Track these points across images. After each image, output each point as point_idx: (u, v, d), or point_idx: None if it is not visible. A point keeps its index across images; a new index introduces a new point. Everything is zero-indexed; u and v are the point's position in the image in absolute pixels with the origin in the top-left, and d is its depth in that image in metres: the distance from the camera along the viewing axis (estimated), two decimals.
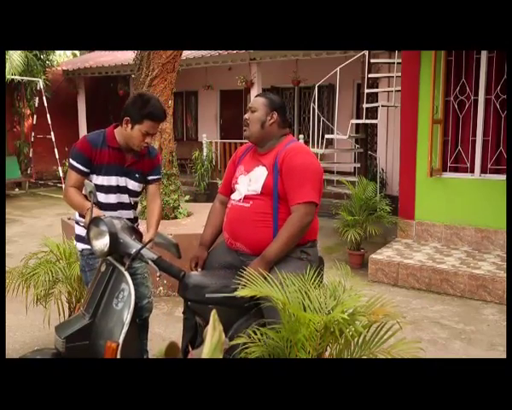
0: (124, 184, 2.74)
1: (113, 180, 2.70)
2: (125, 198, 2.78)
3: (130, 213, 2.83)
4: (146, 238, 2.69)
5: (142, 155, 2.78)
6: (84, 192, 2.60)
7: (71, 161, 2.66)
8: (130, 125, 2.62)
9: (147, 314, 2.93)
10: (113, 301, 2.16)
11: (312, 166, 2.54)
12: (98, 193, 2.61)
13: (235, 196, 2.65)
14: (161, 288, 4.87)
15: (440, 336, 4.05)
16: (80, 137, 12.98)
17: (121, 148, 2.71)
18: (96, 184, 2.62)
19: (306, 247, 2.56)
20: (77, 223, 2.74)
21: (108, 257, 2.25)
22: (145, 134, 2.63)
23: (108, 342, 2.05)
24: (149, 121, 2.62)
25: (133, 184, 2.78)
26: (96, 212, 2.36)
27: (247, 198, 2.58)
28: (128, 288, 2.14)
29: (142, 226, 3.01)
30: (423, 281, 5.18)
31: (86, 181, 2.42)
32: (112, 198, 2.72)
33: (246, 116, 2.66)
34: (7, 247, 6.31)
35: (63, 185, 11.54)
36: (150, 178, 2.86)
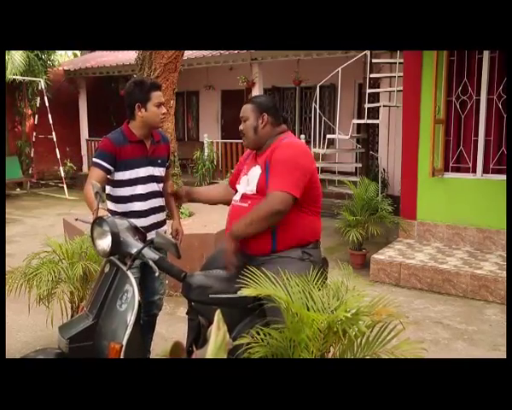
0: (151, 173, 2.89)
1: (141, 172, 2.84)
2: (153, 187, 2.92)
3: (160, 201, 2.99)
4: (177, 222, 3.07)
5: (157, 141, 2.94)
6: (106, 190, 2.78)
7: (95, 159, 2.76)
8: (143, 109, 2.77)
9: (156, 311, 2.95)
10: (117, 303, 2.16)
11: (295, 159, 2.48)
12: (124, 188, 2.79)
13: (236, 196, 2.69)
14: None
15: (442, 336, 4.04)
16: (82, 136, 13.16)
17: (141, 140, 2.84)
18: (122, 180, 2.79)
19: (308, 248, 2.55)
20: None
21: (112, 257, 2.25)
22: (159, 105, 2.80)
23: (112, 343, 2.05)
24: (155, 91, 2.80)
25: (158, 170, 2.94)
26: (102, 212, 2.38)
27: (245, 197, 2.60)
28: (132, 289, 2.14)
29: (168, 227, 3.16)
30: (425, 281, 5.18)
31: (93, 182, 2.45)
32: (139, 189, 2.85)
33: (240, 127, 2.70)
34: (8, 247, 6.31)
35: (64, 185, 11.58)
36: (167, 164, 3.06)
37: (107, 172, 2.75)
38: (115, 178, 2.80)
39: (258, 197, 2.53)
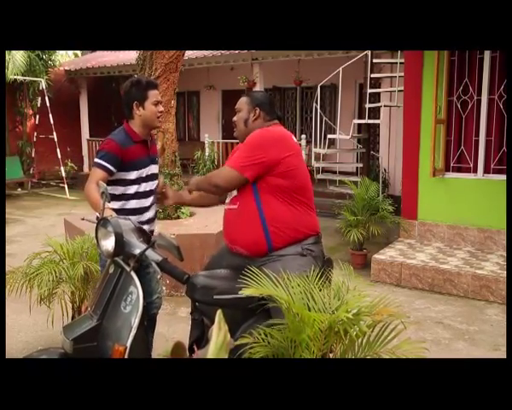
0: (153, 171, 2.95)
1: (145, 171, 2.87)
2: (152, 185, 2.96)
3: (153, 199, 3.02)
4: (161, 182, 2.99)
5: (153, 140, 3.01)
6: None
7: (99, 160, 2.72)
8: (140, 107, 2.80)
9: (155, 311, 2.94)
10: (122, 304, 2.15)
11: (256, 142, 2.50)
12: (131, 186, 2.80)
13: (227, 200, 2.69)
14: (164, 288, 4.87)
15: (443, 336, 4.04)
16: (83, 136, 13.16)
17: (144, 139, 2.87)
18: (131, 179, 2.80)
19: (308, 243, 2.53)
20: None
21: (116, 258, 2.25)
22: (156, 104, 2.82)
23: (116, 344, 2.04)
24: (152, 90, 2.83)
25: (156, 168, 2.99)
26: (108, 212, 2.37)
27: (234, 198, 2.60)
28: (136, 291, 2.13)
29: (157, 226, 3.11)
30: (426, 281, 5.18)
31: (100, 182, 2.45)
32: (146, 186, 2.89)
33: (234, 118, 2.73)
34: (9, 247, 6.32)
35: (65, 185, 11.55)
36: (157, 159, 3.10)
37: (110, 174, 2.74)
38: (119, 178, 2.79)
39: (245, 195, 2.52)
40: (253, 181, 2.49)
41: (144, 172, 2.86)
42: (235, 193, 2.61)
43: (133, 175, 2.81)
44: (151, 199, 2.95)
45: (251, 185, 2.51)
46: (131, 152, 2.78)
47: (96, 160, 2.74)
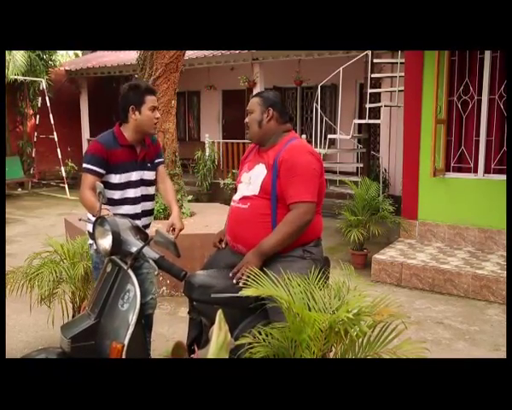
0: (141, 177, 2.88)
1: (131, 176, 2.82)
2: (145, 190, 2.91)
3: (149, 205, 2.98)
4: (174, 216, 2.85)
5: (148, 145, 2.93)
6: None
7: (86, 165, 2.72)
8: (137, 112, 2.77)
9: (150, 311, 2.93)
10: (119, 302, 2.16)
11: (312, 165, 2.51)
12: (115, 191, 2.76)
13: (235, 197, 2.67)
14: (164, 288, 4.88)
15: (444, 336, 4.04)
16: (83, 136, 13.16)
17: (132, 144, 2.83)
18: (113, 183, 2.76)
19: (310, 246, 2.55)
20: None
21: (113, 257, 2.25)
22: (153, 109, 2.79)
23: (114, 342, 2.05)
24: (150, 96, 2.80)
25: (148, 174, 2.93)
26: (105, 212, 2.38)
27: (245, 198, 2.58)
28: (134, 289, 2.14)
29: (153, 227, 3.06)
30: (426, 281, 5.17)
31: (97, 183, 2.47)
32: (131, 193, 2.83)
33: (246, 120, 2.71)
34: (10, 247, 6.32)
35: (66, 185, 11.55)
36: (157, 161, 3.03)
37: (101, 176, 2.71)
38: (106, 181, 2.74)
39: (259, 198, 2.52)
40: (277, 192, 2.49)
41: (128, 177, 2.80)
42: (245, 192, 2.60)
43: (115, 179, 2.77)
44: (141, 206, 2.88)
45: (271, 193, 2.50)
46: (116, 155, 2.75)
47: (84, 165, 2.72)
